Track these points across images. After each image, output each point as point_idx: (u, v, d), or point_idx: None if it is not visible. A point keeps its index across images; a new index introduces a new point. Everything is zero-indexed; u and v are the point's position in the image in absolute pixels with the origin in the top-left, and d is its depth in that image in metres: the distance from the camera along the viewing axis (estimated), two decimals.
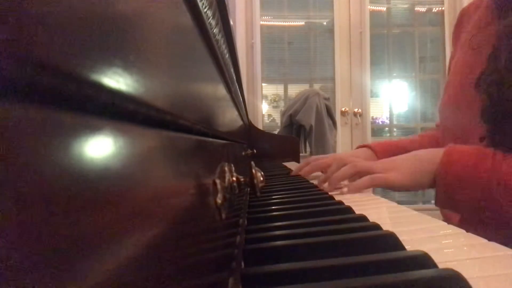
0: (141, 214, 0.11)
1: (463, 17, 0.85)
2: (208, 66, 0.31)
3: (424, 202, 2.73)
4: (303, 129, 2.31)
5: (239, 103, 0.82)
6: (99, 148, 0.09)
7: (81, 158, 0.08)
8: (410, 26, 2.96)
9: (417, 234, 0.39)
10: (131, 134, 0.12)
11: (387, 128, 2.98)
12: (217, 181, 0.26)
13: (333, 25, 2.80)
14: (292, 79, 2.87)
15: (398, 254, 0.31)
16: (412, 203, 2.67)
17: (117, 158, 0.10)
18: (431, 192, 0.65)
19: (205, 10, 0.27)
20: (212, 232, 0.23)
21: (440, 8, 2.87)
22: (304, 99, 2.30)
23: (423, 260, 0.29)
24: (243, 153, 0.87)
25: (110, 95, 0.10)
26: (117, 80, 0.10)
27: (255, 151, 1.35)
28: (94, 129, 0.09)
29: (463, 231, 0.38)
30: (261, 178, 0.39)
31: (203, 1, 0.25)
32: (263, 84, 2.80)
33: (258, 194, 0.39)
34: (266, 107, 2.90)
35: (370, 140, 2.67)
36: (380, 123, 2.98)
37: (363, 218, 0.44)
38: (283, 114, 2.48)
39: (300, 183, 0.82)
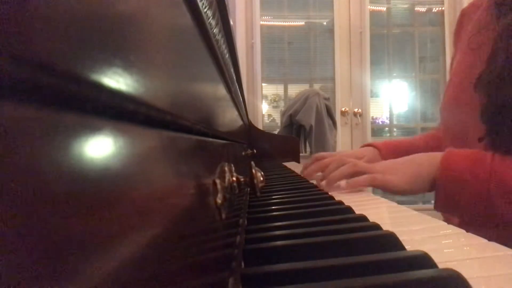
0: (141, 214, 0.11)
1: (463, 17, 0.85)
2: (208, 66, 0.31)
3: (424, 202, 2.73)
4: (303, 129, 2.31)
5: (239, 103, 0.82)
6: (99, 148, 0.09)
7: (81, 158, 0.08)
8: (410, 26, 2.96)
9: (417, 234, 0.39)
10: (131, 134, 0.12)
11: (387, 128, 2.98)
12: (217, 181, 0.26)
13: (333, 25, 2.79)
14: (292, 79, 2.87)
15: (398, 254, 0.31)
16: (412, 203, 2.67)
17: (117, 158, 0.10)
18: (431, 192, 0.65)
19: (205, 10, 0.27)
20: (212, 232, 0.23)
21: (440, 8, 2.87)
22: (304, 99, 2.30)
23: (423, 260, 0.29)
24: (243, 153, 0.87)
25: (110, 95, 0.10)
26: (117, 80, 0.10)
27: (255, 151, 1.35)
28: (94, 129, 0.09)
29: (463, 231, 0.38)
30: (261, 178, 0.39)
31: (203, 1, 0.25)
32: (263, 84, 2.79)
33: (258, 194, 0.39)
34: (266, 107, 2.90)
35: (370, 140, 2.67)
36: (380, 123, 2.98)
37: (363, 218, 0.44)
38: (283, 114, 2.48)
39: (300, 183, 0.82)
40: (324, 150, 2.20)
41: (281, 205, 0.57)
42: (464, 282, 0.24)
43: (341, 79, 2.78)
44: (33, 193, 0.07)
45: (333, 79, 2.79)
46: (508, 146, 0.57)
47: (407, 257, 0.29)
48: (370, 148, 0.92)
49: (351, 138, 2.79)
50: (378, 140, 1.46)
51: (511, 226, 0.55)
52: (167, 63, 0.17)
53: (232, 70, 0.59)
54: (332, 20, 2.80)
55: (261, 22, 2.76)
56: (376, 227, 0.39)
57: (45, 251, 0.07)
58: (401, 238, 0.34)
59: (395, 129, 2.99)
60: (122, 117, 0.11)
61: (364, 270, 0.28)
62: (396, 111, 2.99)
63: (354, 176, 0.69)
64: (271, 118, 2.93)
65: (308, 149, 2.32)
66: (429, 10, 2.93)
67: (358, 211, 0.48)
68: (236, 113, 0.73)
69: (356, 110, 2.78)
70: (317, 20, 2.87)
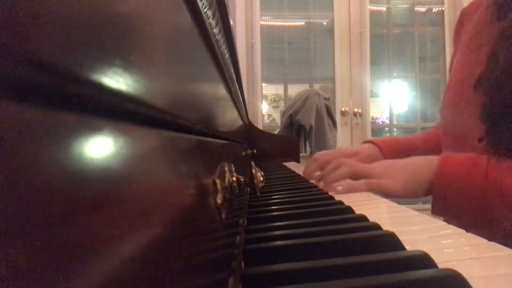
0: (141, 214, 0.11)
1: (463, 17, 0.85)
2: (208, 66, 0.31)
3: (424, 202, 2.72)
4: (303, 129, 2.31)
5: (239, 103, 0.82)
6: (99, 148, 0.09)
7: (81, 158, 0.08)
8: (410, 26, 2.96)
9: (417, 234, 0.39)
10: (131, 134, 0.12)
11: (387, 128, 2.99)
12: (217, 181, 0.26)
13: (333, 25, 2.79)
14: (292, 79, 2.87)
15: (398, 254, 0.31)
16: (412, 203, 2.66)
17: (117, 158, 0.10)
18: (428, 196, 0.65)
19: (205, 10, 0.27)
20: (212, 232, 0.23)
21: (440, 8, 2.87)
22: (304, 99, 2.30)
23: (423, 260, 0.29)
24: (243, 153, 0.87)
25: (110, 95, 0.10)
26: (117, 80, 0.10)
27: (255, 151, 1.35)
28: (94, 129, 0.09)
29: (463, 231, 0.38)
30: (261, 178, 0.39)
31: (203, 1, 0.25)
32: (263, 84, 2.80)
33: (258, 194, 0.39)
34: (266, 107, 2.90)
35: None
36: (380, 123, 2.98)
37: (363, 218, 0.44)
38: (283, 114, 2.48)
39: (300, 183, 0.81)
40: (324, 150, 2.20)
41: (281, 205, 0.57)
42: (464, 282, 0.24)
43: (341, 79, 2.78)
44: (33, 193, 0.07)
45: (333, 79, 2.79)
46: (508, 146, 0.57)
47: (407, 257, 0.29)
48: (371, 145, 0.92)
49: (351, 138, 2.79)
50: None
51: (509, 229, 0.54)
52: (167, 63, 0.17)
53: (232, 70, 0.59)
54: (332, 20, 2.80)
55: (261, 22, 2.76)
56: (376, 227, 0.39)
57: (45, 251, 0.07)
58: (401, 238, 0.34)
59: (395, 129, 2.99)
60: (122, 117, 0.11)
61: (364, 270, 0.28)
62: (396, 111, 2.99)
63: (352, 178, 0.69)
64: (271, 118, 2.93)
65: (308, 149, 2.32)
66: (429, 10, 2.93)
67: (358, 211, 0.48)
68: (236, 113, 0.73)
69: (356, 110, 2.78)
70: (317, 20, 2.87)
